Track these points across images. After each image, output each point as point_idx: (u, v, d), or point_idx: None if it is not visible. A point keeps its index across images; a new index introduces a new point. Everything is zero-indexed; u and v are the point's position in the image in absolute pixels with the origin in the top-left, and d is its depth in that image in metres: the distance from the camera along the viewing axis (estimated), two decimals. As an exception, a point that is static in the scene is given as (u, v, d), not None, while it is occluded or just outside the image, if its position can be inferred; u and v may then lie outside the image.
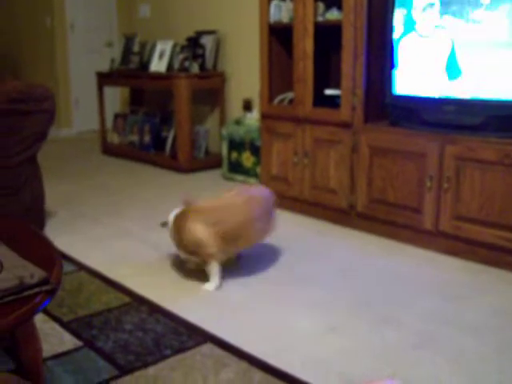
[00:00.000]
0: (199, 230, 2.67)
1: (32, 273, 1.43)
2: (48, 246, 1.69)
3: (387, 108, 3.39)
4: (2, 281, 1.38)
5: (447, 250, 3.14)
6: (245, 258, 3.11)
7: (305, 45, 3.73)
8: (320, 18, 3.67)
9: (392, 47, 3.27)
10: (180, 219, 2.76)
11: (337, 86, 3.75)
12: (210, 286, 2.75)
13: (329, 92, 3.80)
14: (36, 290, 1.39)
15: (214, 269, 2.75)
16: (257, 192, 2.91)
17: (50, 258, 1.57)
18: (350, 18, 3.41)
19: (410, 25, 3.16)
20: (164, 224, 2.89)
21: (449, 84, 3.03)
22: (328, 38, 3.80)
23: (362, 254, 3.20)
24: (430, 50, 3.09)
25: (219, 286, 2.77)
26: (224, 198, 2.86)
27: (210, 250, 2.69)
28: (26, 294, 1.37)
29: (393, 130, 3.31)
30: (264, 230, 2.89)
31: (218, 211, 2.77)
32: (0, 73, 8.01)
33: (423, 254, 3.18)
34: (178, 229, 2.74)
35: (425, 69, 3.14)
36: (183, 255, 2.81)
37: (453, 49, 2.99)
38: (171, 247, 3.29)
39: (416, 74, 3.19)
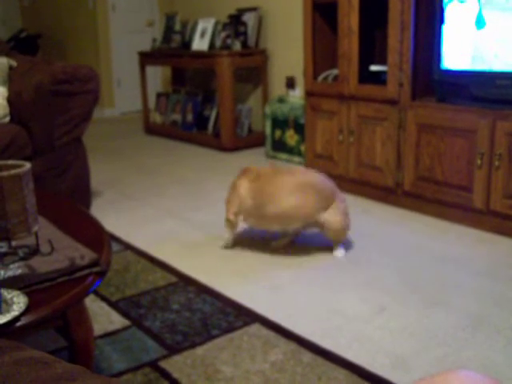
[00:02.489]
0: (237, 186, 2.88)
1: (82, 254, 1.43)
2: (97, 226, 1.69)
3: (435, 84, 3.30)
4: (53, 262, 1.39)
5: (498, 230, 3.06)
6: (295, 241, 3.09)
7: (350, 20, 3.65)
8: (365, -8, 3.58)
9: (441, 19, 3.16)
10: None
11: (383, 62, 3.67)
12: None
13: (374, 68, 3.72)
14: (86, 271, 1.39)
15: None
16: (314, 182, 2.81)
17: (99, 239, 1.57)
18: (397, -9, 3.32)
19: (459, -3, 3.06)
20: None
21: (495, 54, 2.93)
22: (374, 12, 3.71)
23: (410, 233, 3.15)
24: (469, 19, 2.99)
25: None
26: (279, 174, 2.82)
27: (230, 212, 2.88)
28: (77, 275, 1.37)
29: (441, 106, 3.23)
30: (307, 219, 2.82)
31: (264, 184, 2.80)
32: (45, 54, 8.11)
33: (473, 234, 3.11)
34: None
35: (469, 39, 3.03)
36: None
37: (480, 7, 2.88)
38: (216, 227, 3.29)
39: (464, 47, 3.09)
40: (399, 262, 2.78)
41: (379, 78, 3.61)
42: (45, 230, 1.61)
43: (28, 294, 1.29)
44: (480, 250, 2.90)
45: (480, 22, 2.98)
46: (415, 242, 3.02)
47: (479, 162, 3.05)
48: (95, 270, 1.39)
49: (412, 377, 1.87)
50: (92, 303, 2.41)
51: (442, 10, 3.15)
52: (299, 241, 3.06)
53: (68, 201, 2.03)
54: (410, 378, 1.87)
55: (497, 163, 2.97)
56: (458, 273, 2.64)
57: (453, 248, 2.93)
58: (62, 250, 1.45)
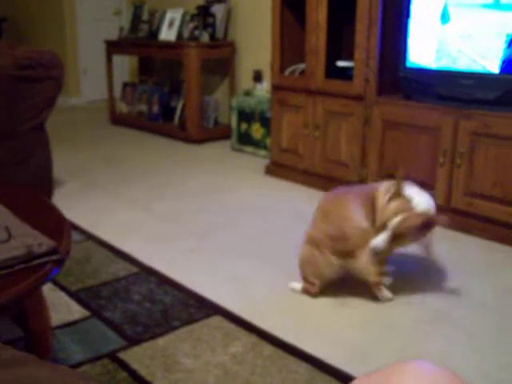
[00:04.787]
0: None
1: (41, 242, 1.40)
2: (57, 215, 1.66)
3: (401, 81, 3.33)
4: (10, 249, 1.36)
5: (458, 227, 3.11)
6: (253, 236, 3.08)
7: (318, 15, 3.65)
8: (334, -12, 3.59)
9: (407, 14, 3.18)
10: None
11: (350, 57, 3.68)
12: None
13: (341, 64, 3.73)
14: (45, 259, 1.36)
15: None
16: None
17: (58, 227, 1.55)
18: (366, -12, 3.33)
19: (427, -5, 3.08)
20: None
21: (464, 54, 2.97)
22: (342, 7, 3.72)
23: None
24: (435, 14, 3.02)
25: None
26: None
27: None
28: (34, 263, 1.35)
29: (406, 104, 3.26)
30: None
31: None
32: (9, 39, 7.94)
33: (434, 230, 3.14)
34: None
35: (434, 34, 3.07)
36: None
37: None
38: (179, 218, 3.27)
39: (430, 42, 3.12)
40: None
41: (346, 74, 3.62)
42: (2, 217, 1.57)
43: (-17, 282, 1.26)
44: (441, 246, 2.94)
45: (445, 17, 3.01)
46: (377, 238, 3.04)
47: (442, 159, 3.09)
48: (53, 258, 1.37)
49: (370, 369, 1.89)
50: (51, 293, 2.38)
51: (408, 6, 3.18)
52: (265, 234, 3.07)
53: (28, 189, 1.99)
54: (368, 370, 1.88)
55: (459, 161, 3.01)
56: (419, 268, 2.67)
57: (414, 245, 2.96)
58: (19, 238, 1.41)
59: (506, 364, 1.93)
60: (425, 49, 3.15)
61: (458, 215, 3.09)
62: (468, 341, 2.07)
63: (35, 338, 1.46)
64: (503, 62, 2.83)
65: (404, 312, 2.27)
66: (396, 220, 2.17)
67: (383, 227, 2.20)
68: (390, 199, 2.24)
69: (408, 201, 2.22)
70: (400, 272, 2.62)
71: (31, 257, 1.35)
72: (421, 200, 2.26)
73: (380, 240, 2.19)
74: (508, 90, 2.83)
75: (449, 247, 2.92)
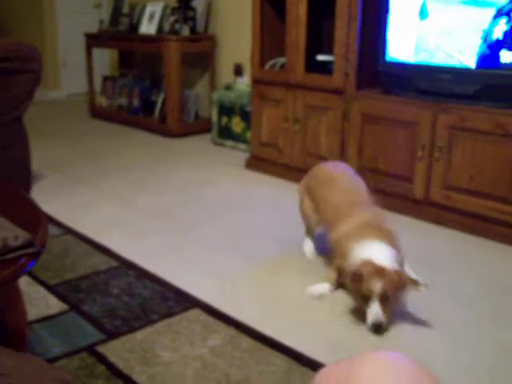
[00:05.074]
0: None
1: (16, 235, 1.39)
2: (33, 208, 1.65)
3: (380, 75, 3.35)
4: (-15, 242, 1.35)
5: (436, 220, 3.14)
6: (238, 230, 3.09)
7: (298, 9, 3.65)
8: (314, -18, 3.59)
9: (387, 9, 3.20)
10: None
11: (330, 52, 3.69)
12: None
13: (321, 58, 3.74)
14: (20, 252, 1.36)
15: None
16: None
17: (34, 220, 1.54)
18: (345, -18, 3.34)
19: (405, -10, 3.10)
20: None
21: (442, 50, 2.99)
22: (322, 2, 3.72)
23: (352, 222, 3.18)
24: (413, 9, 3.04)
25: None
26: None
27: None
28: (10, 256, 1.34)
29: (385, 98, 3.27)
30: None
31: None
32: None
33: (413, 223, 3.17)
34: None
35: (413, 29, 3.09)
36: None
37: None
38: (160, 212, 3.27)
39: (408, 37, 3.14)
40: (340, 249, 2.82)
41: (326, 68, 3.63)
42: (-22, 210, 1.56)
43: (-42, 275, 1.26)
44: (418, 239, 2.96)
45: (423, 13, 3.03)
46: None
47: (420, 153, 3.11)
48: (29, 251, 1.36)
49: (348, 362, 1.90)
50: (29, 287, 2.37)
51: (387, 1, 3.19)
52: (245, 229, 3.07)
53: (3, 181, 1.98)
54: (345, 362, 1.90)
55: (437, 155, 3.04)
56: (397, 261, 2.69)
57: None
58: (-5, 231, 1.41)
59: (479, 354, 1.96)
60: (404, 44, 3.17)
61: (435, 208, 3.12)
62: (442, 332, 2.09)
63: (11, 332, 1.46)
64: (479, 57, 2.86)
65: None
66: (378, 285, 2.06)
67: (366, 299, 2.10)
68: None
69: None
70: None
71: (6, 250, 1.34)
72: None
73: (377, 313, 2.07)
74: (485, 84, 2.86)
75: (425, 240, 2.94)
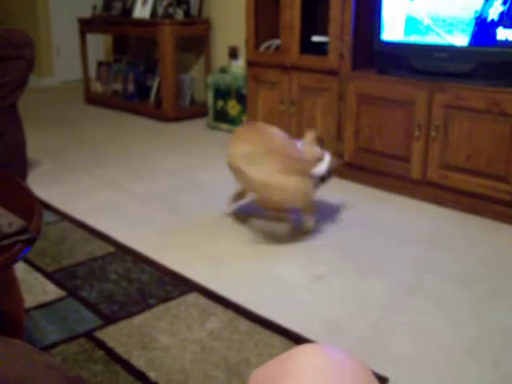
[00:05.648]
0: None
1: (10, 222, 1.38)
2: (28, 194, 1.64)
3: (375, 55, 3.32)
4: (-22, 230, 1.34)
5: (434, 199, 3.13)
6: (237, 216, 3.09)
7: (292, -11, 3.62)
8: (307, -38, 3.56)
9: (381, -9, 3.18)
10: None
11: (325, 32, 3.67)
12: None
13: (316, 39, 3.72)
14: (14, 238, 1.35)
15: None
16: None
17: (29, 206, 1.53)
18: (339, -39, 3.31)
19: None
20: None
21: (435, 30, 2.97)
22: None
23: (348, 203, 3.18)
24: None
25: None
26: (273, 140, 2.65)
27: None
28: (4, 242, 1.33)
29: (381, 78, 3.26)
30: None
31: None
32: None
33: (410, 203, 3.17)
34: None
35: (404, 9, 3.06)
36: None
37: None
38: (157, 198, 3.26)
39: (400, 17, 3.11)
40: (336, 230, 2.82)
41: (321, 49, 3.61)
42: (-28, 197, 1.55)
43: (-48, 263, 1.25)
44: (416, 218, 2.96)
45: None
46: (353, 212, 3.06)
47: (417, 133, 3.10)
48: (24, 237, 1.35)
49: (346, 341, 1.91)
50: (26, 274, 2.36)
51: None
52: (241, 214, 3.07)
53: (-1, 169, 1.97)
54: (344, 342, 1.90)
55: (433, 134, 3.03)
56: (395, 241, 2.69)
57: (390, 217, 2.98)
58: (-12, 218, 1.40)
59: (480, 335, 1.96)
60: (398, 23, 3.14)
61: (433, 188, 3.12)
62: (441, 312, 2.09)
63: (8, 319, 1.45)
64: (472, 35, 2.83)
65: (379, 285, 2.29)
66: (328, 157, 2.68)
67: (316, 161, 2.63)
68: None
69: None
70: (374, 245, 2.64)
71: (1, 236, 1.34)
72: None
73: (323, 168, 2.63)
74: (480, 62, 2.84)
75: (423, 220, 2.94)
